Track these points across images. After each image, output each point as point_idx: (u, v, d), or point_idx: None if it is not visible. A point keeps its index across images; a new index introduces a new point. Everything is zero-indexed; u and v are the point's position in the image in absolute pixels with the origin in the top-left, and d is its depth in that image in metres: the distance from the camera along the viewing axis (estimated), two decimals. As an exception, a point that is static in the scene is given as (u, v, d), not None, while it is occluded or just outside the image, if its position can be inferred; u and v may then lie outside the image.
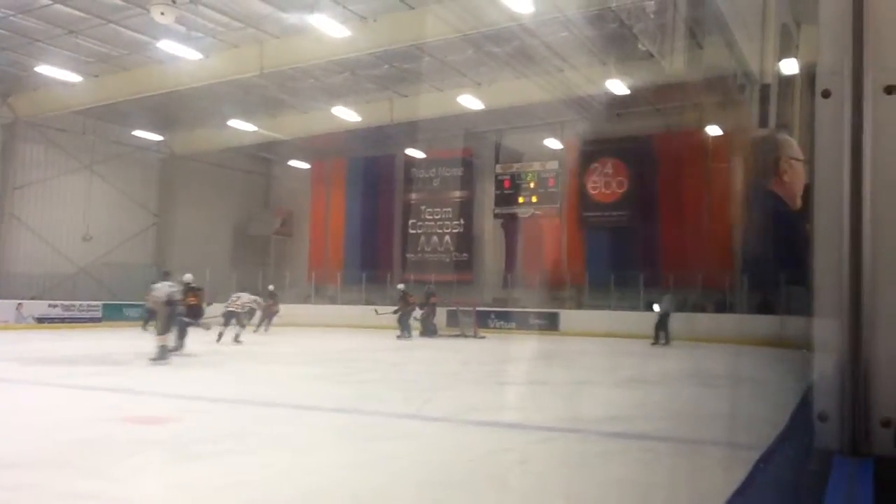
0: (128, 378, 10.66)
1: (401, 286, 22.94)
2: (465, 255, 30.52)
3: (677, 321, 19.63)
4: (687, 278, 22.91)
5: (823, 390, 1.50)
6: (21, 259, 25.34)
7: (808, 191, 2.41)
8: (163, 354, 12.48)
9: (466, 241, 30.61)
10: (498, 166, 29.91)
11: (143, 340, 13.98)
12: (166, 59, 20.55)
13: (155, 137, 28.83)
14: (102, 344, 16.59)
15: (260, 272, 29.72)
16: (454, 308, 24.86)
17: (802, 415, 1.69)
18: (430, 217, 31.44)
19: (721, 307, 23.17)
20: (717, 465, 5.08)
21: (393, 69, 22.40)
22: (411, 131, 26.82)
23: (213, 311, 17.87)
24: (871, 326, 1.46)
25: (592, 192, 27.82)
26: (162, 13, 16.70)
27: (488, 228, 30.44)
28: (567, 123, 27.03)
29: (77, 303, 25.36)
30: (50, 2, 17.79)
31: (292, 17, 18.30)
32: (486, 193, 30.48)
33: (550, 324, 25.15)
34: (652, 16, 17.26)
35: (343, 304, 29.79)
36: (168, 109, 25.84)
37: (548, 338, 23.06)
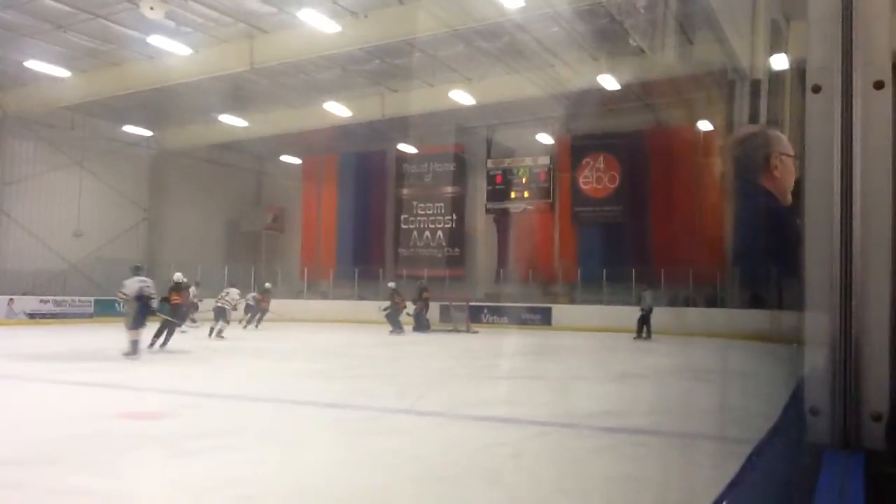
0: (120, 374, 10.63)
1: (391, 284, 22.96)
2: (457, 250, 30.54)
3: (669, 316, 19.81)
4: (678, 273, 23.00)
5: (814, 385, 1.50)
6: (12, 255, 25.20)
7: (797, 186, 2.43)
8: (134, 349, 12.46)
9: (458, 236, 30.63)
10: (489, 161, 29.94)
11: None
12: (156, 55, 20.46)
13: (145, 133, 28.71)
14: (94, 339, 16.53)
15: (252, 268, 29.70)
16: (447, 303, 24.87)
17: (794, 409, 1.70)
18: (422, 212, 31.43)
19: (712, 302, 23.27)
20: (709, 459, 5.11)
21: (384, 64, 22.35)
22: (403, 127, 26.78)
23: (203, 306, 17.87)
24: (862, 321, 1.47)
25: (584, 187, 27.87)
26: (151, 8, 16.61)
27: (480, 224, 30.46)
28: (558, 119, 27.04)
29: (69, 298, 25.27)
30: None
31: (282, 13, 18.25)
32: (478, 189, 30.50)
33: (543, 319, 25.20)
34: (642, 11, 17.29)
35: (335, 299, 29.78)
36: (158, 105, 25.69)
37: (540, 333, 23.11)
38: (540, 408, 8.02)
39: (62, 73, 21.57)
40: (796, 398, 1.69)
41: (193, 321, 18.97)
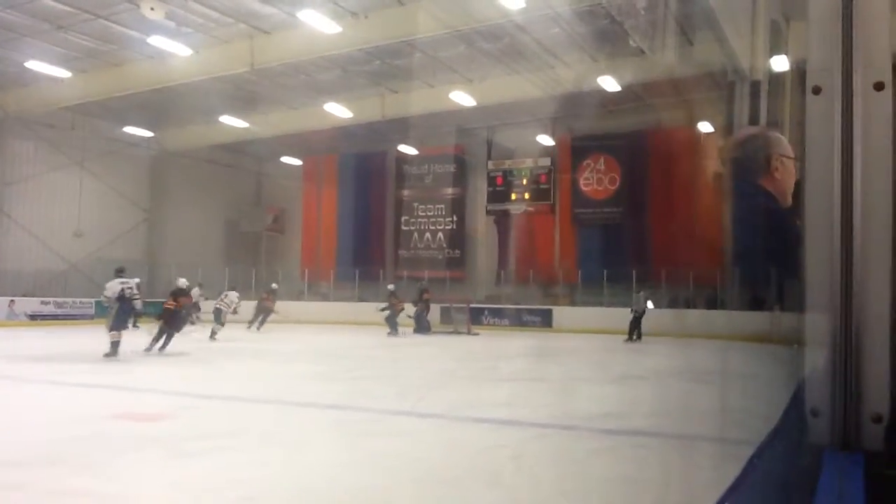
0: (121, 375, 10.62)
1: (391, 286, 22.95)
2: (457, 251, 30.53)
3: (669, 317, 19.76)
4: (678, 274, 22.98)
5: (815, 386, 1.50)
6: (12, 256, 25.22)
7: (797, 188, 2.43)
8: (114, 350, 12.48)
9: (459, 237, 30.62)
10: (490, 163, 29.92)
11: (137, 337, 13.95)
12: (156, 55, 20.48)
13: (146, 134, 28.71)
14: (95, 341, 16.50)
15: (252, 269, 29.69)
16: (447, 305, 24.86)
17: (794, 410, 1.70)
18: (423, 214, 31.43)
19: (712, 303, 23.25)
20: (709, 461, 5.10)
21: (384, 65, 22.35)
22: (403, 128, 26.78)
23: (204, 307, 17.85)
24: (862, 322, 1.47)
25: (584, 188, 27.86)
26: (152, 8, 16.65)
27: (481, 225, 30.44)
28: (559, 120, 27.04)
29: (69, 300, 25.27)
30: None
31: (283, 13, 18.25)
32: (479, 190, 30.49)
33: (543, 320, 25.17)
34: (643, 12, 17.30)
35: (336, 300, 29.75)
36: (158, 105, 25.70)
37: (541, 334, 23.09)
38: (540, 410, 8.01)
39: (62, 73, 21.60)
40: (797, 399, 1.69)
41: (193, 323, 18.97)
